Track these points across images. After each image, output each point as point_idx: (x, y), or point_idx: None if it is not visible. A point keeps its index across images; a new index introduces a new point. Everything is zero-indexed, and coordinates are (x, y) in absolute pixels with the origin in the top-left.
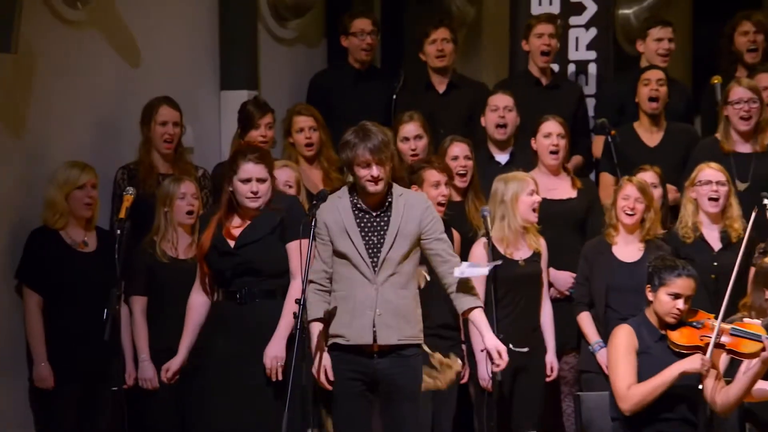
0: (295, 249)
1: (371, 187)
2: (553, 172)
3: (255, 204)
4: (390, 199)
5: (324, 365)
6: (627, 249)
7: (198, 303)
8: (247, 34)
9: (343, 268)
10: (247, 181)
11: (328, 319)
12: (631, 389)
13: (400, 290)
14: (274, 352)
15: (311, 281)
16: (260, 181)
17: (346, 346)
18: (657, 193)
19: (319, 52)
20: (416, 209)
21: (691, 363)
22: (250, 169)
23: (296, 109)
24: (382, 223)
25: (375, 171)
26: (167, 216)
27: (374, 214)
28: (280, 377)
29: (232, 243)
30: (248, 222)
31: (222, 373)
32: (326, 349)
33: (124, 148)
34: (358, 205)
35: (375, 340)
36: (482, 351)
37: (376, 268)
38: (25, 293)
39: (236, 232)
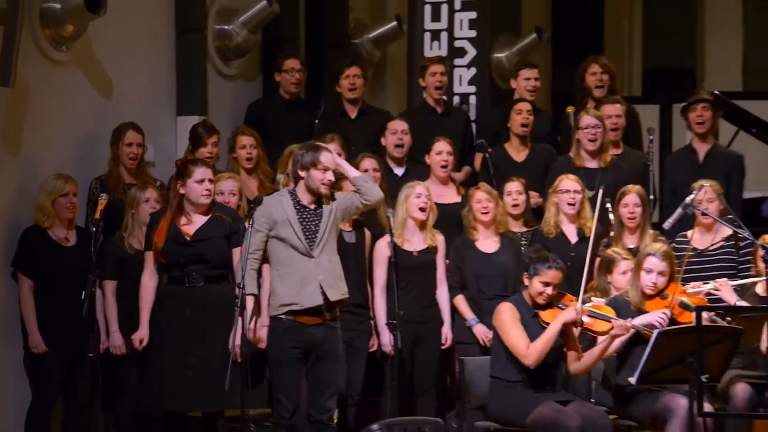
0: (240, 252)
1: (324, 189)
2: (443, 182)
3: (208, 200)
4: (321, 199)
5: (261, 328)
6: (487, 242)
7: (151, 286)
8: (198, 71)
9: (285, 251)
10: (201, 181)
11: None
12: (530, 347)
13: (332, 257)
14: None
15: (251, 262)
16: (210, 181)
17: (298, 312)
18: (522, 198)
19: (255, 85)
20: (334, 205)
21: (568, 314)
22: (204, 171)
23: (240, 130)
24: (316, 217)
25: (330, 176)
26: (134, 217)
27: (312, 208)
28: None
29: (187, 237)
30: (196, 220)
31: (174, 347)
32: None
33: (98, 163)
34: (300, 203)
35: (326, 299)
36: (385, 325)
37: (312, 248)
38: (20, 278)
39: (189, 228)
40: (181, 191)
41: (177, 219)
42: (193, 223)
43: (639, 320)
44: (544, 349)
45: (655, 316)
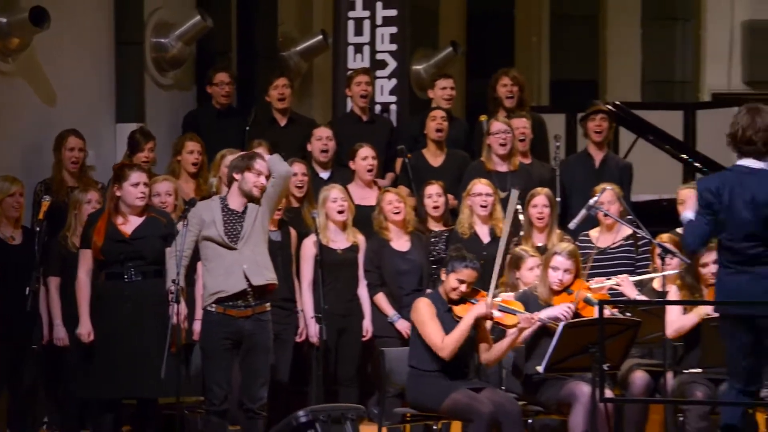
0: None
1: (256, 192)
2: (367, 185)
3: (143, 203)
4: (247, 203)
5: (195, 321)
6: (400, 241)
7: (88, 282)
8: (136, 81)
9: (212, 249)
10: (137, 185)
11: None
12: (444, 341)
13: (256, 248)
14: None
15: (183, 266)
16: (145, 185)
17: (224, 299)
18: (441, 200)
19: (190, 95)
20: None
21: (479, 309)
22: (138, 175)
23: (188, 136)
24: (242, 219)
25: (263, 180)
26: (76, 217)
27: (239, 212)
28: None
29: (125, 235)
30: (133, 220)
31: (113, 338)
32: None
33: (43, 167)
34: (228, 207)
35: (249, 285)
36: (312, 318)
37: (236, 243)
38: None
39: (126, 227)
40: (118, 194)
41: (114, 219)
42: (129, 223)
43: (545, 313)
44: (458, 342)
45: (560, 309)
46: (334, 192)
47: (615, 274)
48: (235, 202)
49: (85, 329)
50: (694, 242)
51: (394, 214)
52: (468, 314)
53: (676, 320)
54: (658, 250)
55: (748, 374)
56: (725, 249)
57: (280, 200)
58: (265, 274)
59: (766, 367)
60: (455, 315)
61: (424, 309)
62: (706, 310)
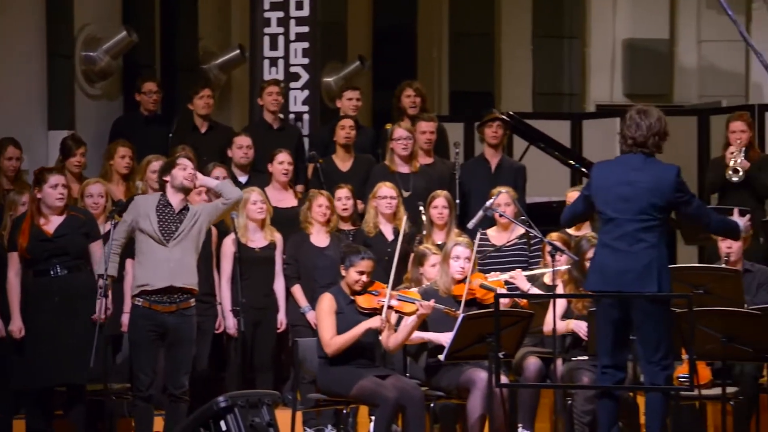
0: (98, 246)
1: (188, 183)
2: (283, 187)
3: (62, 203)
4: (188, 203)
5: (123, 314)
6: (319, 238)
7: (17, 282)
8: (67, 91)
9: (145, 242)
10: (55, 186)
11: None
12: (332, 339)
13: (187, 251)
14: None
15: (112, 248)
16: (63, 186)
17: (150, 293)
18: (350, 203)
19: (117, 104)
20: (200, 210)
21: (373, 322)
22: (57, 178)
23: (120, 142)
24: (180, 218)
25: (190, 170)
26: (11, 218)
27: (176, 210)
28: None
29: (48, 234)
30: (54, 219)
31: (44, 330)
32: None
33: None
34: (168, 203)
35: (172, 283)
36: (230, 311)
37: (168, 240)
38: None
39: (48, 226)
40: (39, 196)
41: (37, 220)
42: (51, 222)
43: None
44: (344, 345)
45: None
46: (255, 195)
47: (510, 269)
48: (175, 198)
49: (16, 326)
50: (564, 218)
51: (321, 215)
52: (361, 325)
53: (550, 322)
54: (548, 248)
55: (614, 350)
56: (602, 226)
57: (222, 217)
58: (187, 278)
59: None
60: (358, 306)
61: (323, 304)
62: (576, 324)
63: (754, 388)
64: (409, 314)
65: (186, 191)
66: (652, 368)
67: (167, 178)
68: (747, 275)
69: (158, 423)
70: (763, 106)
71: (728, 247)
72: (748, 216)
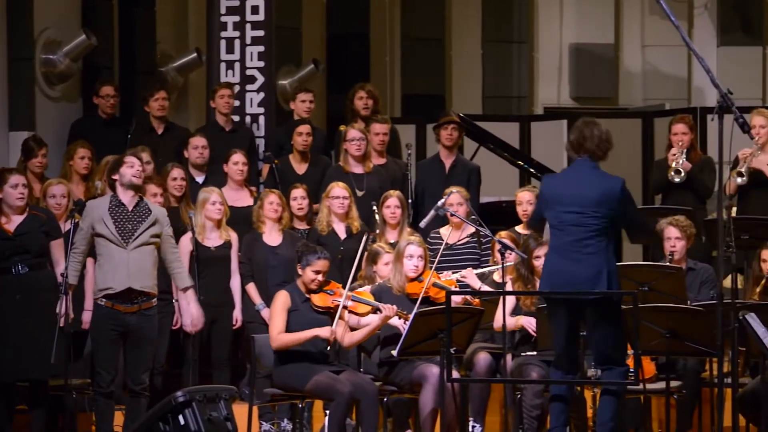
0: (59, 245)
1: (137, 180)
2: (239, 187)
3: (22, 203)
4: (144, 201)
5: (85, 312)
6: (271, 237)
7: None
8: (28, 93)
9: (104, 246)
10: (16, 186)
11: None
12: (279, 335)
13: (146, 255)
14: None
15: (74, 255)
16: (24, 186)
17: (112, 296)
18: (305, 203)
19: (77, 106)
20: (159, 212)
21: (323, 332)
22: (17, 178)
23: (80, 143)
24: (136, 217)
25: (138, 167)
26: None
27: (129, 209)
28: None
29: (9, 233)
30: (15, 219)
31: (7, 327)
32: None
33: None
34: (120, 202)
35: (130, 285)
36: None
37: (127, 242)
38: None
39: (9, 225)
40: (0, 196)
41: None
42: (12, 221)
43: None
44: (288, 343)
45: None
46: (214, 195)
47: (462, 267)
48: (126, 196)
49: None
50: (532, 224)
51: (274, 212)
52: (311, 330)
53: (500, 318)
54: (498, 246)
55: (568, 359)
56: (553, 235)
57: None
58: (145, 281)
59: (584, 352)
60: (313, 304)
61: (278, 301)
62: (526, 320)
63: (697, 382)
64: (363, 315)
65: (135, 188)
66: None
67: (116, 177)
68: (690, 273)
69: (118, 418)
70: (705, 109)
71: (672, 246)
72: None
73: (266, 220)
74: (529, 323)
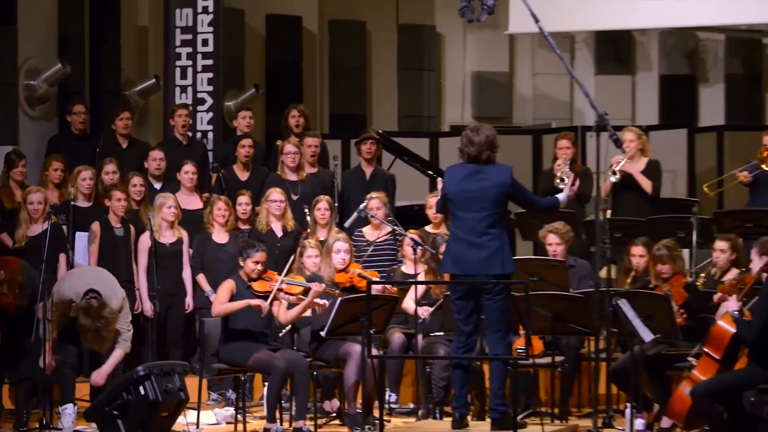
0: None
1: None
2: (191, 192)
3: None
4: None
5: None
6: (220, 236)
7: None
8: (12, 113)
9: None
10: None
11: None
12: (219, 306)
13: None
14: None
15: None
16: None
17: None
18: (249, 207)
19: (53, 124)
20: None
21: (254, 302)
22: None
23: (54, 156)
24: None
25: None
26: None
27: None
28: None
29: None
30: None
31: None
32: None
33: None
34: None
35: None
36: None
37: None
38: None
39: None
40: None
41: None
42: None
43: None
44: (224, 312)
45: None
46: (170, 200)
47: (381, 261)
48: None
49: None
50: (439, 211)
51: (222, 217)
52: (244, 301)
53: (408, 303)
54: (408, 242)
55: (465, 327)
56: (454, 224)
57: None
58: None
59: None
60: (254, 290)
61: (224, 286)
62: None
63: (577, 357)
64: (296, 295)
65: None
66: (495, 339)
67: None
68: (571, 269)
69: (82, 389)
70: (585, 128)
71: (553, 251)
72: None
73: (215, 222)
74: (425, 311)
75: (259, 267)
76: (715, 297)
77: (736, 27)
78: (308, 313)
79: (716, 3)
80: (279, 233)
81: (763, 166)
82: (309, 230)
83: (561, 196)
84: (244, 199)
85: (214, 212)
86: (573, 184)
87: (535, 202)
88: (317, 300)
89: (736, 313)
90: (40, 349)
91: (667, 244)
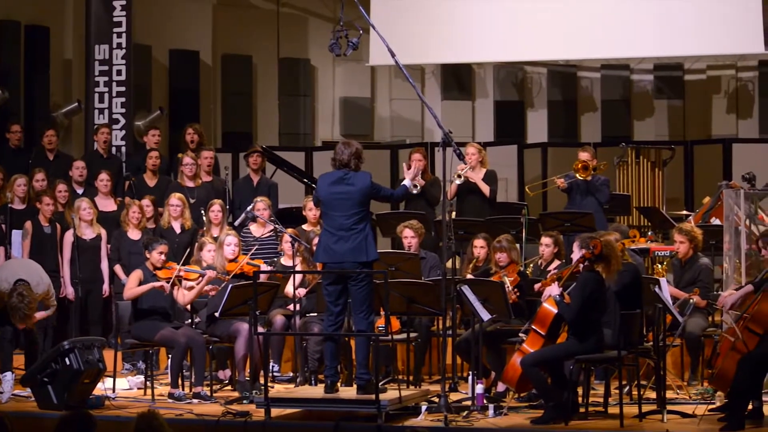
0: None
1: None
2: (106, 196)
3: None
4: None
5: None
6: (133, 233)
7: None
8: None
9: None
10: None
11: None
12: (130, 290)
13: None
14: None
15: None
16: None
17: None
18: (150, 209)
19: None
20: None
21: (157, 284)
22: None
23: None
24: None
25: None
26: None
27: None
28: None
29: None
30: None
31: None
32: None
33: None
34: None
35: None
36: (70, 283)
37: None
38: None
39: None
40: None
41: None
42: None
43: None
44: (136, 294)
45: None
46: (84, 203)
47: (267, 254)
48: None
49: None
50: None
51: (136, 216)
52: (148, 284)
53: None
54: (287, 238)
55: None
56: (326, 221)
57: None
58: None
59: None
60: (158, 277)
61: (133, 273)
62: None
63: (428, 333)
64: (193, 280)
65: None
66: (359, 318)
67: None
68: (423, 261)
69: (18, 359)
70: (434, 143)
71: (408, 243)
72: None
73: (130, 222)
74: (301, 291)
75: (163, 257)
76: (537, 286)
77: (555, 62)
78: (205, 297)
79: (540, 42)
80: (178, 230)
81: (578, 176)
82: (205, 228)
83: (407, 182)
84: (145, 202)
85: (129, 214)
86: (412, 173)
87: (391, 195)
88: (210, 285)
89: (558, 296)
90: None
91: (506, 237)
